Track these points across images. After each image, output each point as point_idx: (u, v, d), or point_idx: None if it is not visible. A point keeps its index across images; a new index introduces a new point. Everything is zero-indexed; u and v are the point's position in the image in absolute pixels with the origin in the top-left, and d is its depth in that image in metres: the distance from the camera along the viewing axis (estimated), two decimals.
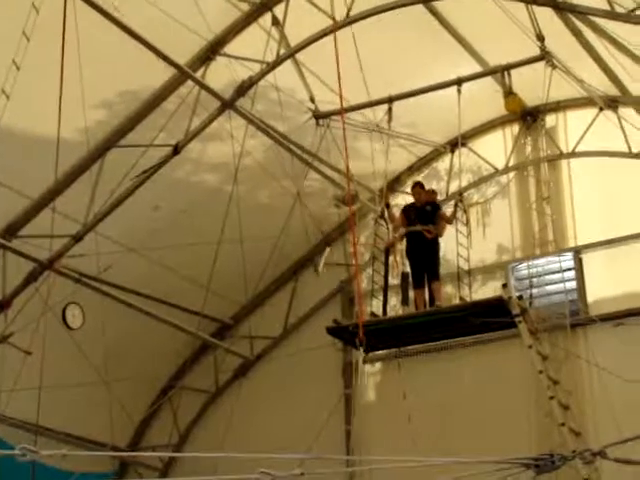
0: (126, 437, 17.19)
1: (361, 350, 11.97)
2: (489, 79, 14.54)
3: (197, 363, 17.52)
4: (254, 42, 13.19)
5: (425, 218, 13.61)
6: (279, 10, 13.14)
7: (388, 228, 14.17)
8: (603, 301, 15.11)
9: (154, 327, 15.80)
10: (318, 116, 14.71)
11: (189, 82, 13.29)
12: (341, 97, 11.54)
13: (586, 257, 15.50)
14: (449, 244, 14.37)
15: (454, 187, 15.85)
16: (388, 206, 14.34)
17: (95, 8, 11.23)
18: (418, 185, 14.18)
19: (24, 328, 13.47)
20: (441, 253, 14.50)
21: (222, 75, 13.41)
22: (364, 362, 16.04)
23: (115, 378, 14.94)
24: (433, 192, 14.37)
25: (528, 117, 16.34)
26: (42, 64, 11.06)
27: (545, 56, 13.16)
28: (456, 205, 14.49)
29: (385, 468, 8.23)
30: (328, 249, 15.81)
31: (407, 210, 13.90)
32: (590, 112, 15.64)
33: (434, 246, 13.59)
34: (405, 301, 13.66)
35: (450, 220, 13.96)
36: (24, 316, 13.66)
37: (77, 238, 13.85)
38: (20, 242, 13.82)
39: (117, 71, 12.81)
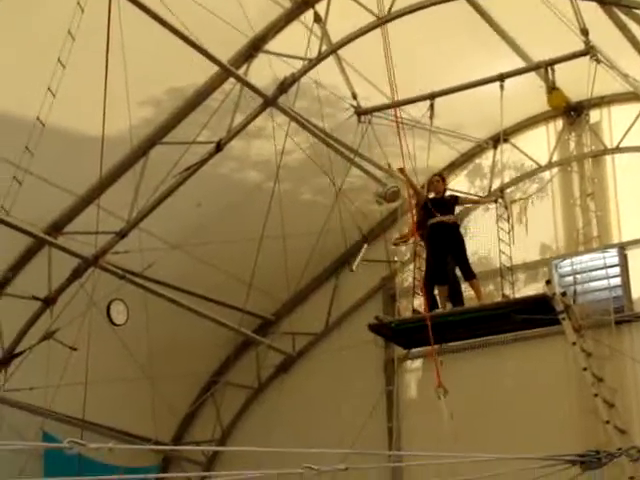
0: (170, 432, 17.32)
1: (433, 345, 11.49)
2: (532, 74, 14.42)
3: (239, 359, 17.57)
4: (296, 39, 13.22)
5: (446, 209, 13.45)
6: (321, 7, 13.15)
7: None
8: None
9: (197, 323, 15.89)
10: (360, 112, 14.70)
11: (231, 79, 13.35)
12: (392, 89, 11.47)
13: (631, 253, 15.33)
14: (491, 241, 14.29)
15: (497, 183, 15.77)
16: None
17: (139, 6, 11.33)
18: (439, 176, 14.02)
19: (69, 324, 13.62)
20: (483, 251, 14.44)
21: (264, 72, 13.45)
22: (405, 359, 16.07)
23: (159, 374, 15.07)
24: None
25: (572, 112, 16.18)
26: (87, 62, 11.19)
27: (589, 51, 13.04)
28: (496, 200, 14.42)
29: (427, 464, 8.21)
30: (365, 246, 15.78)
31: (427, 203, 13.72)
32: (635, 107, 15.46)
33: (459, 239, 13.41)
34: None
35: (477, 202, 13.82)
36: (69, 312, 13.81)
37: (121, 235, 13.96)
38: (65, 239, 13.96)
39: (161, 69, 12.90)
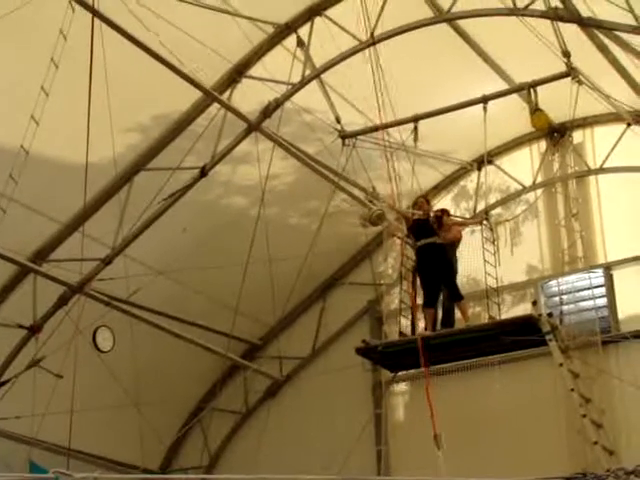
0: (157, 459, 17.21)
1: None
2: (515, 96, 14.51)
3: (227, 384, 17.48)
4: (279, 64, 13.26)
5: (429, 230, 13.47)
6: (304, 32, 13.21)
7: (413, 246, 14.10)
8: (634, 317, 14.95)
9: (184, 349, 15.83)
10: (344, 136, 14.73)
11: (216, 105, 13.36)
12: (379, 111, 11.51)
13: (616, 273, 15.36)
14: (477, 263, 14.31)
15: (482, 205, 15.81)
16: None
17: (122, 34, 11.34)
18: (423, 197, 14.10)
19: (55, 352, 13.54)
20: (469, 272, 14.45)
21: (248, 97, 13.48)
22: (392, 382, 16.02)
23: (146, 400, 14.97)
24: (444, 211, 14.27)
25: (555, 133, 16.25)
26: (71, 90, 11.17)
27: (571, 72, 13.14)
28: (480, 222, 14.46)
29: None
30: None
31: (413, 226, 13.78)
32: (618, 127, 15.55)
33: (446, 260, 13.46)
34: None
35: (462, 223, 13.91)
36: (55, 340, 13.73)
37: (106, 261, 13.92)
38: (50, 266, 13.91)
39: (145, 95, 12.90)
